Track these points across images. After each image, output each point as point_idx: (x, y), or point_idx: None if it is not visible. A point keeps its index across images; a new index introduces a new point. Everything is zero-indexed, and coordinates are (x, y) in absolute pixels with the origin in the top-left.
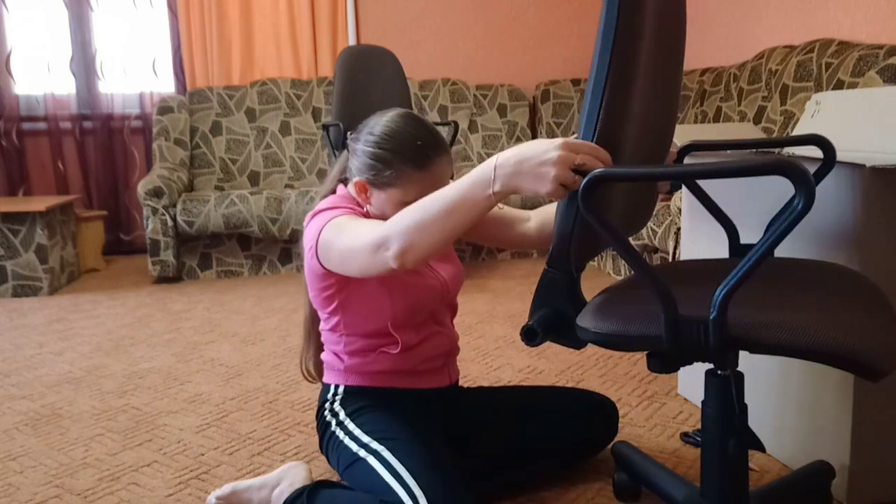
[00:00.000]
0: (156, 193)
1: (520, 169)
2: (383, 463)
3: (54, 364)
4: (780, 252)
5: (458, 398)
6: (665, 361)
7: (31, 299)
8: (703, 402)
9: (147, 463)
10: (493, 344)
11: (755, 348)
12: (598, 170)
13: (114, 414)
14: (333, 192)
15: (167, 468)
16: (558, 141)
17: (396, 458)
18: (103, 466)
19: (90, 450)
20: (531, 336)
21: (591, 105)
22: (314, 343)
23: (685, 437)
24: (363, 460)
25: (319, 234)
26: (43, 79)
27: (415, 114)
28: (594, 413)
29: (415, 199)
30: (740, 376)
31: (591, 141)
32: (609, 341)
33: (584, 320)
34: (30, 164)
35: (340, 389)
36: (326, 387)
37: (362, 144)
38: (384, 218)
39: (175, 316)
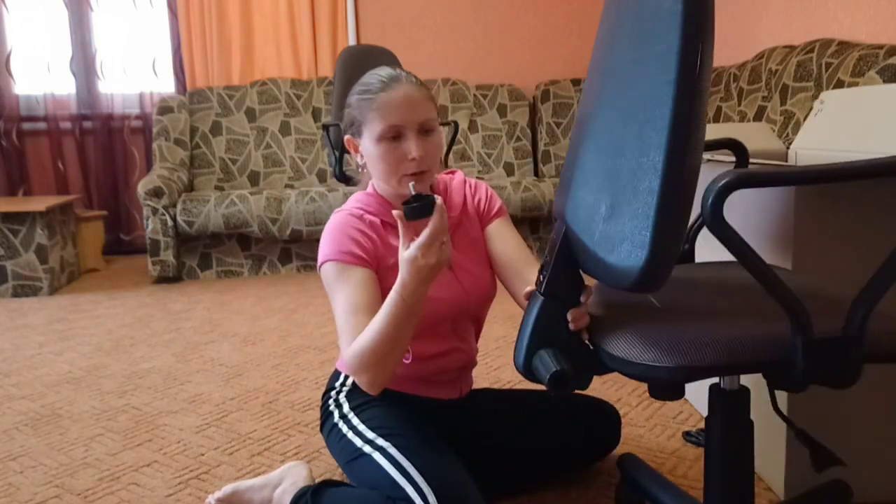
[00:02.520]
0: (156, 193)
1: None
2: (389, 459)
3: (54, 364)
4: (721, 257)
5: (466, 409)
6: (670, 390)
7: (31, 299)
8: (707, 419)
9: (147, 463)
10: (493, 344)
11: (888, 360)
12: (734, 171)
13: (114, 414)
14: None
15: (167, 468)
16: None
17: (402, 454)
18: (103, 466)
19: (90, 450)
20: (561, 382)
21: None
22: None
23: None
24: (367, 456)
25: (322, 265)
26: (43, 79)
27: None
28: (598, 421)
29: (386, 129)
30: (748, 390)
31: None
32: (699, 374)
33: (646, 357)
34: (30, 164)
35: (349, 381)
36: (336, 373)
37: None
38: (380, 176)
39: (175, 316)
